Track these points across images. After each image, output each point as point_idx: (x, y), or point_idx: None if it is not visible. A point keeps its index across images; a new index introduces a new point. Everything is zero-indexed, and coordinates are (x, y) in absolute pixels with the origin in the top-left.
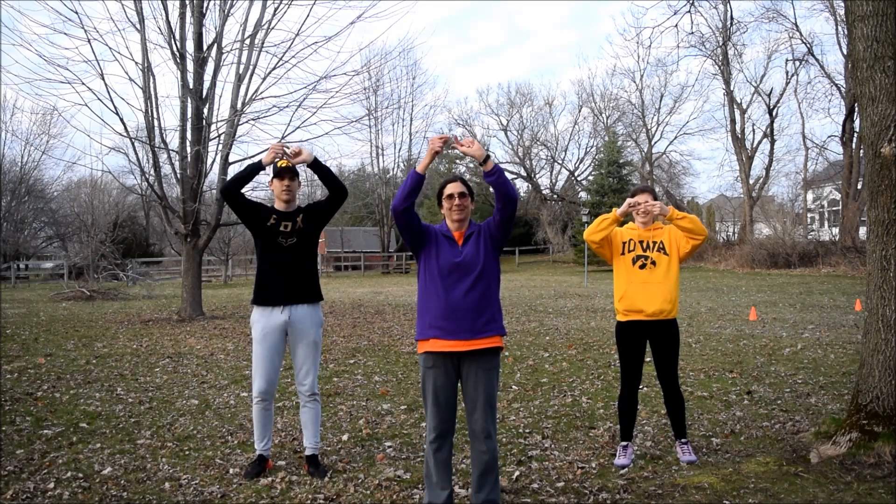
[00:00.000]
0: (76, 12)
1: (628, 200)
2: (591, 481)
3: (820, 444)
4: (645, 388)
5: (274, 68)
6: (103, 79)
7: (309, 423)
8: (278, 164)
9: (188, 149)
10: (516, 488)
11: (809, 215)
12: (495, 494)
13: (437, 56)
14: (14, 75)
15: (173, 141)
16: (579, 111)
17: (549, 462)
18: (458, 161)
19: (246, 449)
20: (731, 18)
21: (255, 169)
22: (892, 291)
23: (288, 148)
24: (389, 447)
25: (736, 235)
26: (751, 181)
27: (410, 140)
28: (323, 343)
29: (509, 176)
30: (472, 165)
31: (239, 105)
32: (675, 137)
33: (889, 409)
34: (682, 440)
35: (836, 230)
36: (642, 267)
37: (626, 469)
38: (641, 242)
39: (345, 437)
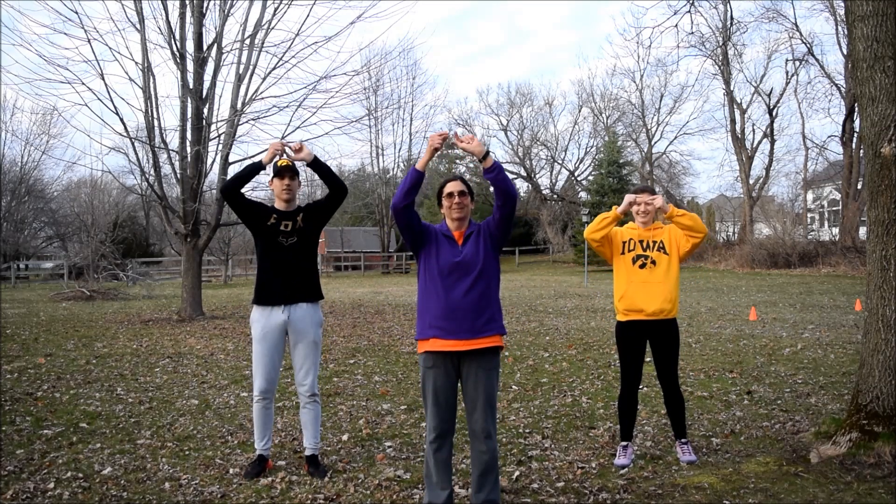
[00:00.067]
0: (76, 12)
1: (627, 197)
2: (591, 481)
3: (820, 444)
4: (645, 388)
5: (274, 68)
6: (103, 79)
7: (309, 424)
8: (279, 164)
9: (188, 149)
10: (516, 488)
11: (809, 215)
12: (495, 494)
13: (437, 56)
14: (14, 75)
15: (173, 141)
16: (579, 111)
17: (549, 462)
18: (458, 161)
19: (246, 449)
20: (731, 18)
21: (256, 168)
22: (892, 291)
23: (289, 145)
24: (389, 447)
25: (736, 235)
26: (751, 181)
27: (410, 140)
28: (323, 343)
29: (509, 175)
30: (472, 165)
31: (239, 105)
32: (675, 137)
33: (889, 409)
34: (682, 440)
35: (836, 230)
36: (642, 266)
37: (626, 469)
38: (641, 242)
39: (345, 437)
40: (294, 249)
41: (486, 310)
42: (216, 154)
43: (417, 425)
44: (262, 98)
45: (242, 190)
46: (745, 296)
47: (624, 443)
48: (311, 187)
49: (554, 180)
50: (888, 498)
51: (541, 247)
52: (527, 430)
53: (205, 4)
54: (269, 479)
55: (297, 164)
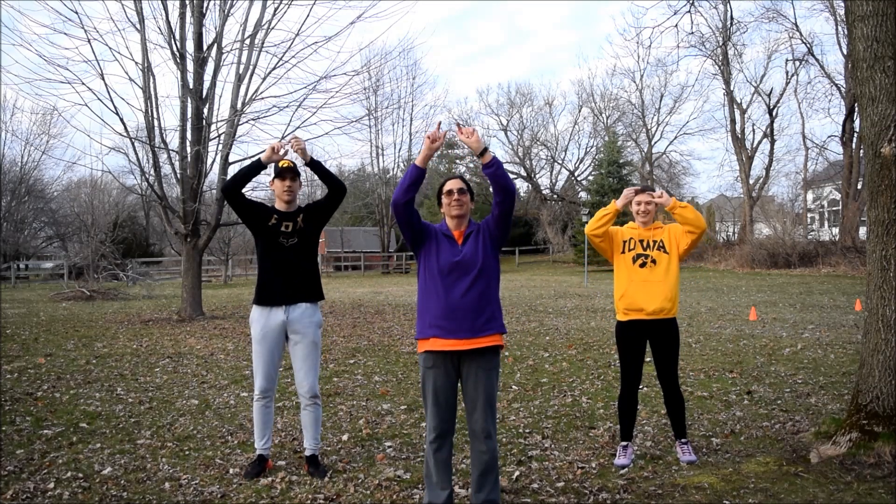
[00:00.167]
0: (76, 12)
1: (626, 192)
2: (591, 481)
3: (820, 444)
4: (645, 388)
5: (274, 68)
6: (103, 79)
7: (309, 426)
8: (280, 165)
9: (188, 149)
10: (516, 488)
11: (809, 215)
12: (495, 494)
13: (437, 56)
14: (14, 75)
15: (173, 141)
16: (579, 111)
17: (549, 462)
18: (458, 161)
19: (246, 449)
20: (731, 18)
21: (256, 167)
22: (892, 291)
23: (286, 147)
24: (389, 447)
25: (736, 235)
26: (751, 181)
27: (410, 140)
28: (323, 343)
29: (508, 174)
30: (472, 165)
31: (239, 105)
32: (675, 137)
33: (889, 409)
34: (682, 440)
35: (836, 230)
36: (643, 265)
37: (626, 469)
38: (642, 241)
39: (345, 437)
40: (295, 250)
41: (486, 309)
42: (216, 154)
43: (417, 425)
44: (262, 98)
45: (243, 190)
46: (745, 296)
47: (624, 443)
48: (311, 187)
49: (554, 180)
50: (888, 498)
51: (541, 247)
52: (527, 430)
53: (205, 4)
54: (269, 479)
55: (297, 163)
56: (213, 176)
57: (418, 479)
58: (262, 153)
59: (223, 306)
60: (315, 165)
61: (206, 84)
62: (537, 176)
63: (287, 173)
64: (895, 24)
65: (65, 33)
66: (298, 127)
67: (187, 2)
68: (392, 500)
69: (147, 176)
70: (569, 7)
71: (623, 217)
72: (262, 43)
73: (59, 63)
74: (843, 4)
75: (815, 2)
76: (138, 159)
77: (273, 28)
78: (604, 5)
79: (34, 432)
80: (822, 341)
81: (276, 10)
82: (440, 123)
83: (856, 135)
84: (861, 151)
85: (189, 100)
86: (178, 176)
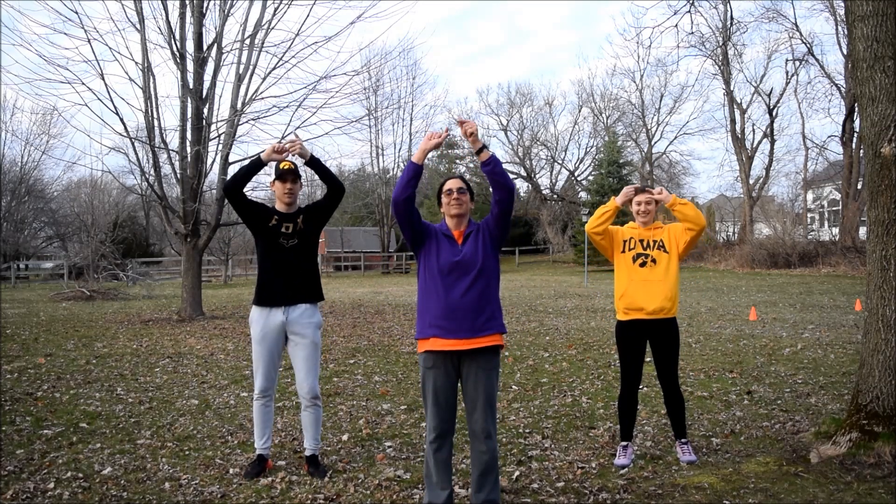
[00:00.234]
0: (76, 12)
1: (626, 189)
2: (591, 481)
3: (820, 444)
4: (645, 388)
5: (274, 68)
6: (103, 79)
7: (310, 426)
8: (281, 167)
9: (188, 149)
10: (516, 488)
11: (809, 215)
12: (495, 494)
13: (437, 56)
14: (14, 75)
15: (173, 141)
16: (579, 111)
17: (549, 462)
18: (458, 161)
19: (246, 449)
20: (731, 18)
21: (256, 165)
22: (892, 291)
23: (290, 142)
24: (389, 447)
25: (736, 235)
26: (751, 181)
27: (410, 140)
28: (323, 343)
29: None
30: (472, 165)
31: (239, 105)
32: (675, 137)
33: (889, 409)
34: (682, 440)
35: (836, 230)
36: (643, 265)
37: (626, 469)
38: (642, 241)
39: (345, 437)
40: (295, 251)
41: (485, 308)
42: (216, 154)
43: (417, 425)
44: (262, 98)
45: (244, 190)
46: (745, 296)
47: (624, 443)
48: (311, 187)
49: (554, 180)
50: (888, 498)
51: (541, 247)
52: (527, 430)
53: (205, 4)
54: (269, 479)
55: (297, 163)
56: (213, 176)
57: (418, 479)
58: (262, 152)
59: (223, 306)
60: (315, 164)
61: (206, 84)
62: (537, 176)
63: (288, 175)
64: (895, 24)
65: (65, 33)
66: (298, 127)
67: (187, 2)
68: (392, 500)
69: (147, 176)
70: (569, 7)
71: (623, 217)
72: (262, 43)
73: (59, 63)
74: (843, 4)
75: (815, 2)
76: (138, 159)
77: (273, 28)
78: (604, 5)
79: (34, 432)
80: (822, 341)
81: (276, 10)
82: (447, 129)
83: (856, 135)
84: (861, 151)
85: (189, 100)
86: (178, 176)
